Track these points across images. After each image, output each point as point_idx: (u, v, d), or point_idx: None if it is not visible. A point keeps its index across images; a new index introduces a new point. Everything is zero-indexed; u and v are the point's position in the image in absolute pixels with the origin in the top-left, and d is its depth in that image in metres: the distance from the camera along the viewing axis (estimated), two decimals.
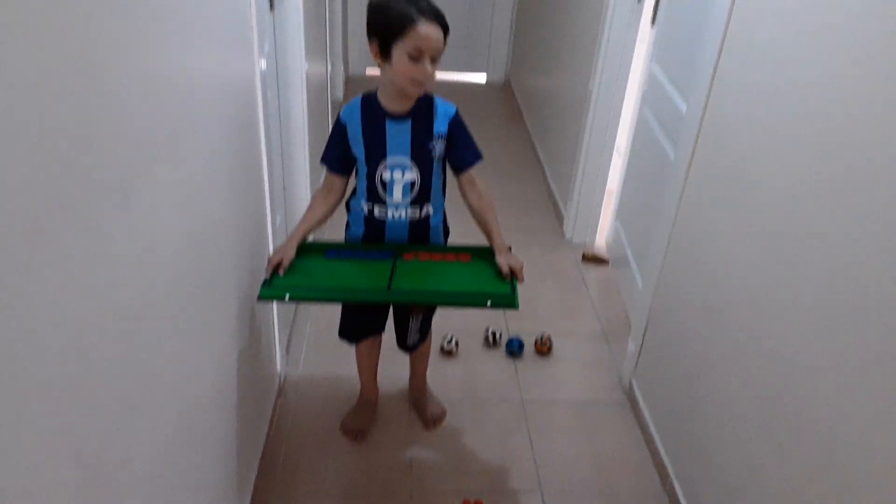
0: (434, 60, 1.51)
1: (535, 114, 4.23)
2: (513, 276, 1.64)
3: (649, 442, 2.08)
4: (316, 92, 3.04)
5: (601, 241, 3.18)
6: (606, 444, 2.10)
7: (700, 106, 1.85)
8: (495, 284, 1.64)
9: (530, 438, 2.09)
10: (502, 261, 1.66)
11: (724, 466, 1.62)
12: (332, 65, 3.56)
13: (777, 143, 1.47)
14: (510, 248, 1.71)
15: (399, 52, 1.49)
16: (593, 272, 2.97)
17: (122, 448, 0.90)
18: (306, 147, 2.65)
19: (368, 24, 1.54)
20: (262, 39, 1.86)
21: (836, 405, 1.22)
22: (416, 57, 1.48)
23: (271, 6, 2.27)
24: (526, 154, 4.06)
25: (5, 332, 0.62)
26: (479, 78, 5.30)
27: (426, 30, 1.46)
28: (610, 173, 3.11)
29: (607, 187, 3.13)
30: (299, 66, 2.49)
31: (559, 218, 3.33)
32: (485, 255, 1.73)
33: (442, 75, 5.17)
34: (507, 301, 1.58)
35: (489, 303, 1.57)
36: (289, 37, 2.41)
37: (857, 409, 1.17)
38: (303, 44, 2.47)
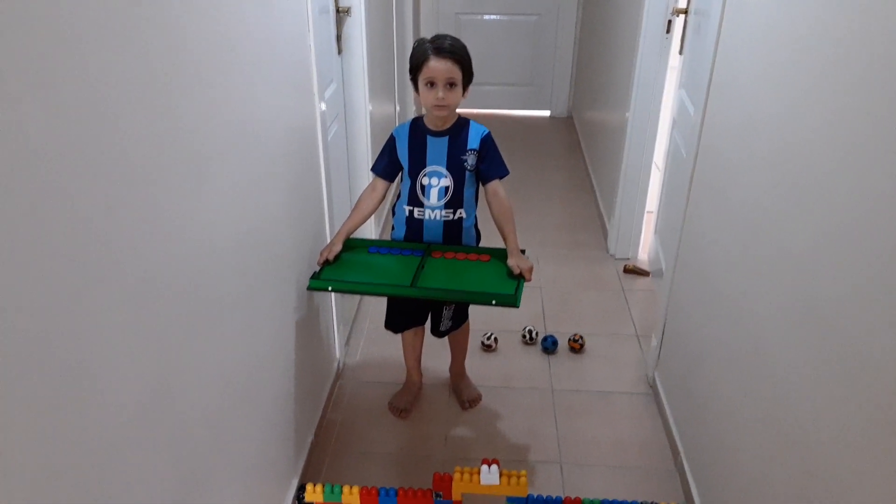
0: (452, 87, 1.87)
1: (590, 144, 4.51)
2: (520, 277, 1.94)
3: (666, 427, 2.28)
4: (384, 129, 3.46)
5: (644, 256, 3.40)
6: (626, 428, 2.32)
7: (700, 113, 2.09)
8: (503, 284, 1.92)
9: (556, 420, 2.34)
10: (513, 262, 1.96)
11: (730, 451, 1.76)
12: (401, 105, 4.00)
13: (759, 159, 1.64)
14: (523, 251, 2.01)
15: (420, 82, 1.88)
16: (633, 283, 3.19)
17: (186, 406, 1.21)
18: (371, 176, 3.06)
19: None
20: (325, 82, 2.28)
21: (817, 400, 1.26)
22: (430, 85, 1.86)
23: (339, 51, 2.71)
24: (581, 181, 4.34)
25: (86, 298, 0.88)
26: (544, 114, 5.65)
27: (435, 64, 1.84)
28: (652, 194, 3.35)
29: (648, 207, 3.36)
30: (363, 104, 2.92)
31: (605, 236, 3.58)
32: (502, 256, 2.03)
33: (509, 112, 5.59)
34: (510, 301, 1.85)
35: (493, 301, 1.86)
36: (354, 78, 2.85)
37: (844, 410, 1.18)
38: (366, 84, 2.90)
